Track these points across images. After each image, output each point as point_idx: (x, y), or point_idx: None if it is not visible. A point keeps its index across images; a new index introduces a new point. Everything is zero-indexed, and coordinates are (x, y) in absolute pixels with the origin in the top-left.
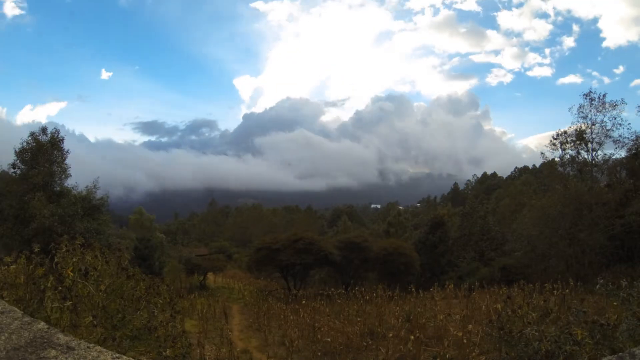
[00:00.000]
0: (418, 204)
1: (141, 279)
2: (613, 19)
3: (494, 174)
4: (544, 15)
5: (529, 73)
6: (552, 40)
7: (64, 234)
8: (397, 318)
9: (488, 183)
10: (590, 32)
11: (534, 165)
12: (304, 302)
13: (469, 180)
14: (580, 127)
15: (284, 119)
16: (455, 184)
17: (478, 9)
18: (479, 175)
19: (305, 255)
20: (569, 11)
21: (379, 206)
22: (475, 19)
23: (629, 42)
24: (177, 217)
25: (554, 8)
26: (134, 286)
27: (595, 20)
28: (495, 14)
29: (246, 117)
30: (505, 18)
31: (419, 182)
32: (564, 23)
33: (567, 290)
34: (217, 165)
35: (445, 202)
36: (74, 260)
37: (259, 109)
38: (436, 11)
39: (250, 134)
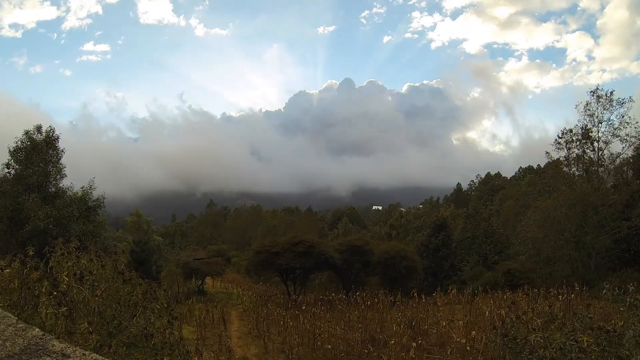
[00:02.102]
0: (420, 205)
1: (138, 283)
2: None
3: (498, 174)
4: None
5: None
6: None
7: (59, 237)
8: (399, 324)
9: (492, 184)
10: None
11: (538, 165)
12: (304, 307)
13: (472, 180)
14: (587, 125)
15: None
16: (459, 185)
17: None
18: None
19: (305, 259)
20: None
21: (380, 207)
22: None
23: None
24: (174, 219)
25: None
26: (130, 291)
27: None
28: None
29: None
30: None
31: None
32: None
33: (573, 296)
34: None
35: (448, 204)
36: (69, 264)
37: None
38: None
39: None
